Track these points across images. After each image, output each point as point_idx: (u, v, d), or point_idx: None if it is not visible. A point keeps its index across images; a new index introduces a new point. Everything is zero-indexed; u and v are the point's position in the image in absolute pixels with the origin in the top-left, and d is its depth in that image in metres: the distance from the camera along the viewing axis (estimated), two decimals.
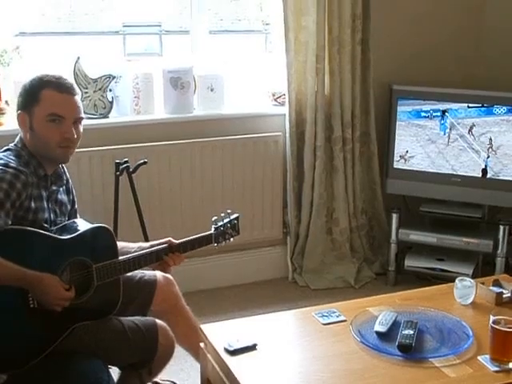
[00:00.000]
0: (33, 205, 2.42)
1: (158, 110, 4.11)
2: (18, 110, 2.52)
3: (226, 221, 2.83)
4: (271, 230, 4.43)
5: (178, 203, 4.10)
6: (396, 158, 4.32)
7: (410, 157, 4.30)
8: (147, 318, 2.68)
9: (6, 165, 2.38)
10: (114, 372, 2.67)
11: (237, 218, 2.87)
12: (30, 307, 2.34)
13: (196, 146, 4.09)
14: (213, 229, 2.80)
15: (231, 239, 2.85)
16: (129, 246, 2.78)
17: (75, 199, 2.78)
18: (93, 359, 2.45)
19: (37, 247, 2.38)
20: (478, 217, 4.29)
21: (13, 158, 2.45)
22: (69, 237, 2.48)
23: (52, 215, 2.55)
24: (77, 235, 2.51)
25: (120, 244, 2.75)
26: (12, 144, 2.56)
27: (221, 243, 2.82)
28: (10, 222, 2.31)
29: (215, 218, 2.81)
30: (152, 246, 2.75)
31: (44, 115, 2.46)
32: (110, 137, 3.81)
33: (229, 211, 2.86)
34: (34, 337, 2.36)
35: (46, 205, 2.51)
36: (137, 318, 2.65)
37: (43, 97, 2.46)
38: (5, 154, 2.49)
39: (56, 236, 2.46)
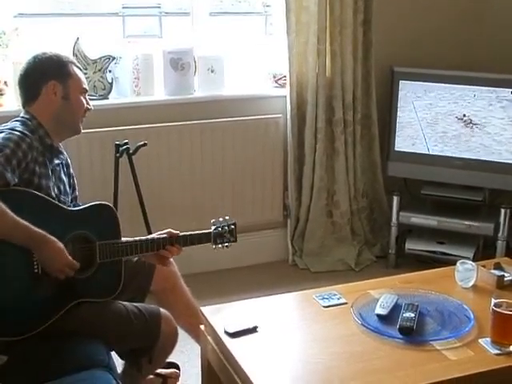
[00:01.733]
0: (37, 169, 2.45)
1: (157, 91, 4.09)
2: (47, 80, 2.56)
3: (223, 225, 2.83)
4: (271, 212, 4.42)
5: (177, 185, 4.09)
6: (397, 140, 4.30)
7: (410, 139, 4.28)
8: (151, 305, 2.67)
9: (12, 128, 2.46)
10: (117, 364, 2.67)
11: (234, 224, 2.86)
12: (34, 272, 2.36)
13: (196, 127, 4.08)
14: (212, 228, 2.79)
15: (228, 244, 2.85)
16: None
17: (76, 185, 2.78)
18: (94, 341, 2.45)
19: (44, 213, 2.41)
20: (479, 200, 4.29)
21: (18, 124, 2.51)
22: (75, 209, 2.55)
23: (57, 190, 2.57)
24: (83, 209, 2.55)
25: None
26: (17, 117, 2.59)
27: (218, 245, 2.81)
28: (16, 180, 2.34)
29: (213, 220, 2.81)
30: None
31: (79, 88, 2.63)
32: (109, 118, 3.79)
33: (227, 217, 2.86)
34: (37, 303, 2.37)
35: (50, 174, 2.53)
36: (141, 304, 2.65)
37: (73, 72, 2.63)
38: (10, 123, 2.54)
39: (63, 206, 2.50)
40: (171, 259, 2.85)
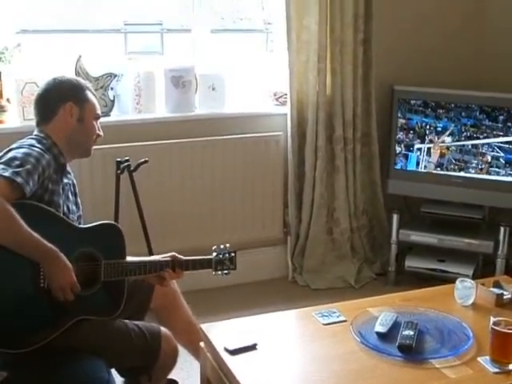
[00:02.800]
0: (50, 186, 2.49)
1: (159, 108, 4.11)
2: (65, 101, 2.62)
3: (225, 252, 2.84)
4: (272, 229, 4.43)
5: (178, 202, 4.10)
6: (397, 158, 4.32)
7: (410, 157, 4.30)
8: (152, 324, 2.68)
9: (31, 144, 2.50)
10: (117, 382, 2.67)
11: (235, 252, 2.88)
12: (40, 286, 2.37)
13: (197, 145, 4.09)
14: (214, 254, 2.81)
15: (228, 272, 2.86)
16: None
17: (80, 205, 2.79)
18: (95, 358, 2.45)
19: (54, 228, 2.43)
20: (478, 218, 4.29)
21: (35, 142, 2.54)
22: (84, 226, 2.58)
23: (65, 208, 2.59)
24: (91, 227, 2.57)
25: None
26: (32, 135, 2.63)
27: (218, 271, 2.83)
28: (33, 192, 2.38)
29: (215, 247, 2.83)
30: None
31: (94, 113, 2.71)
32: (111, 135, 3.78)
33: (227, 245, 2.87)
34: (40, 318, 2.38)
35: (61, 192, 2.56)
36: (141, 323, 2.65)
37: (90, 97, 2.71)
38: (26, 139, 2.58)
39: (72, 223, 2.54)
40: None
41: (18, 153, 2.42)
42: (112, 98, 3.94)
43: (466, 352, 2.34)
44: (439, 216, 4.37)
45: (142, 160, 3.64)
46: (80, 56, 3.82)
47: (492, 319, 2.28)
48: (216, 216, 4.19)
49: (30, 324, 2.37)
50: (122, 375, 2.73)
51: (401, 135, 4.29)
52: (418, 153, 4.29)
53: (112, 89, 3.95)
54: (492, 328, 2.27)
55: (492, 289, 2.79)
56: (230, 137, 4.19)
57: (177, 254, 2.77)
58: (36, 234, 2.29)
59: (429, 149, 4.26)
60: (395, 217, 4.37)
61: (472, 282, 2.76)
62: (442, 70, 4.51)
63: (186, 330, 2.90)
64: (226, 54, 4.38)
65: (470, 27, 4.64)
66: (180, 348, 2.76)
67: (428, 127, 4.24)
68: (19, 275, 2.35)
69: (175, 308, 2.92)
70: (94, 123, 2.71)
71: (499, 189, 4.14)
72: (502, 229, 4.17)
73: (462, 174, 4.21)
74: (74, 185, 2.75)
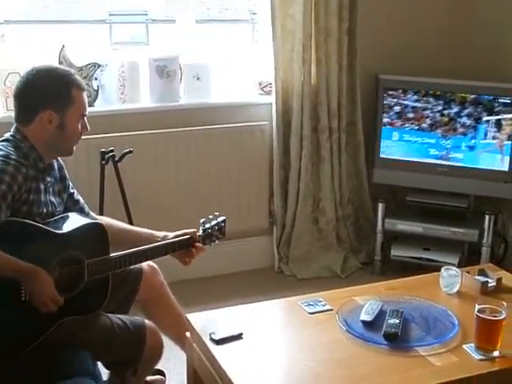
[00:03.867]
0: (30, 197, 2.42)
1: (143, 98, 4.09)
2: (44, 108, 2.47)
3: (213, 223, 2.83)
4: (257, 219, 4.43)
5: (163, 192, 4.09)
6: (382, 147, 4.32)
7: (395, 146, 4.31)
8: (137, 317, 2.67)
9: (7, 156, 2.38)
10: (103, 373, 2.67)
11: (224, 221, 2.87)
12: (21, 300, 2.32)
13: (182, 134, 4.08)
14: (201, 231, 2.79)
15: (217, 241, 2.86)
16: (154, 235, 2.79)
17: (69, 183, 2.74)
18: (80, 351, 2.44)
19: (33, 239, 2.37)
20: (463, 206, 4.31)
21: (12, 149, 2.43)
22: (64, 231, 2.48)
23: (50, 207, 2.54)
24: (71, 230, 2.50)
25: (144, 231, 2.82)
26: (8, 134, 2.52)
27: (207, 245, 2.82)
28: (8, 214, 2.31)
29: (203, 220, 2.82)
30: (177, 237, 2.78)
31: (78, 115, 2.54)
32: (95, 125, 3.74)
33: (216, 213, 2.86)
34: (23, 329, 2.35)
35: (42, 198, 2.50)
36: (126, 317, 2.64)
37: (75, 97, 2.52)
38: (3, 144, 2.46)
39: (51, 230, 2.45)
40: (157, 269, 2.88)
41: None
42: (96, 88, 3.92)
43: (452, 340, 2.36)
44: (424, 205, 4.38)
45: (127, 150, 3.63)
46: (63, 46, 3.80)
47: (477, 307, 2.29)
48: (201, 206, 4.18)
49: (13, 335, 2.33)
50: (107, 368, 2.73)
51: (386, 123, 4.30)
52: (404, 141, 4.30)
53: (96, 79, 3.93)
54: (477, 315, 2.28)
55: (477, 277, 2.81)
56: (215, 126, 4.18)
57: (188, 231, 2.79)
58: (7, 256, 2.21)
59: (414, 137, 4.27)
60: (381, 206, 4.38)
61: (457, 270, 2.77)
62: (427, 59, 4.51)
63: (173, 322, 2.89)
64: (211, 44, 4.36)
65: (456, 17, 4.64)
66: (166, 339, 2.76)
67: (412, 115, 4.24)
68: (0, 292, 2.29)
69: (162, 300, 2.91)
70: (78, 125, 2.55)
71: (484, 177, 4.15)
72: (486, 217, 4.19)
73: (446, 162, 4.22)
74: (60, 169, 2.68)
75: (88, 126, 2.62)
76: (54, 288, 2.32)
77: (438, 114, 4.20)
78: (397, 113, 4.26)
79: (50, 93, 2.49)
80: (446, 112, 4.18)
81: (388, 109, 4.27)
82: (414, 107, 4.23)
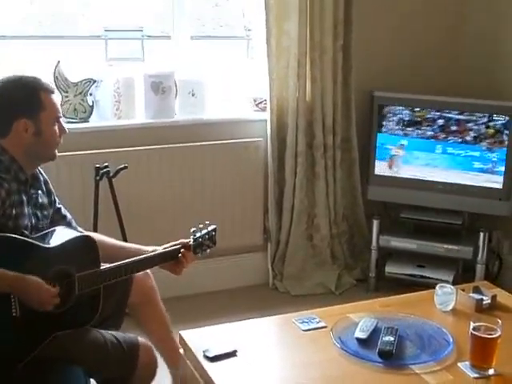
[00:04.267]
0: (14, 212, 2.41)
1: (138, 114, 4.09)
2: (17, 117, 2.47)
3: (203, 232, 2.82)
4: (252, 235, 4.42)
5: (158, 208, 4.08)
6: (377, 164, 4.32)
7: (390, 164, 4.31)
8: (130, 334, 2.64)
9: None
10: None
11: (214, 230, 2.86)
12: (12, 315, 2.30)
13: (177, 151, 4.08)
14: (192, 240, 2.78)
15: (208, 251, 2.84)
16: (142, 250, 2.77)
17: (55, 199, 2.73)
18: (72, 367, 2.42)
19: (21, 254, 2.35)
20: (458, 223, 4.31)
21: None
22: (53, 245, 2.46)
23: (33, 220, 2.53)
24: (61, 244, 2.48)
25: (133, 246, 2.81)
26: None
27: (198, 254, 2.81)
28: None
29: (194, 229, 2.80)
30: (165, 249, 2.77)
31: (52, 119, 2.54)
32: (90, 141, 3.79)
33: (207, 222, 2.85)
34: (15, 344, 2.33)
35: (26, 210, 2.49)
36: (119, 333, 2.62)
37: (45, 101, 2.51)
38: None
39: (40, 244, 2.43)
40: (149, 273, 2.88)
41: None
42: (91, 104, 3.92)
43: (446, 357, 2.35)
44: (419, 222, 4.38)
45: (122, 166, 3.63)
46: (59, 61, 3.81)
47: (472, 324, 2.29)
48: (196, 222, 4.15)
49: (5, 353, 2.30)
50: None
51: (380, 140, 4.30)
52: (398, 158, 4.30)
53: (91, 94, 3.93)
54: (472, 333, 2.28)
55: (472, 294, 2.81)
56: (209, 143, 4.18)
57: (184, 240, 2.78)
58: None
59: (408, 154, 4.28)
60: (375, 223, 4.38)
61: (452, 287, 2.77)
62: (421, 77, 4.53)
63: (159, 329, 2.90)
64: (207, 61, 4.37)
65: (449, 36, 4.65)
66: (159, 356, 2.74)
67: (406, 133, 4.25)
68: None
69: (151, 305, 2.89)
70: (55, 128, 2.54)
71: (479, 195, 4.16)
72: (481, 234, 4.19)
73: (441, 179, 4.22)
74: (45, 183, 2.68)
75: (66, 128, 2.61)
76: (43, 284, 2.30)
77: (431, 130, 4.20)
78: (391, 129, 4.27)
79: (19, 101, 2.49)
80: (439, 127, 4.18)
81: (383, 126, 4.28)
82: (407, 125, 4.24)
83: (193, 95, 4.15)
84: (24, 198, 2.49)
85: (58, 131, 2.57)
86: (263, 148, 4.32)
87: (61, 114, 2.60)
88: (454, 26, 4.66)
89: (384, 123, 4.27)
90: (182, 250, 2.75)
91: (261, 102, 4.34)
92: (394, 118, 4.24)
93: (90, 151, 3.77)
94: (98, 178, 3.58)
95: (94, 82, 3.92)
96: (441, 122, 4.17)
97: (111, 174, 3.61)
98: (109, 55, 4.21)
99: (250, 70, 4.42)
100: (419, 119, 4.21)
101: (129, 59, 4.33)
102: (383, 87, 4.31)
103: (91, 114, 3.93)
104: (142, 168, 3.99)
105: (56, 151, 2.61)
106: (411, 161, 4.27)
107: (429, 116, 4.19)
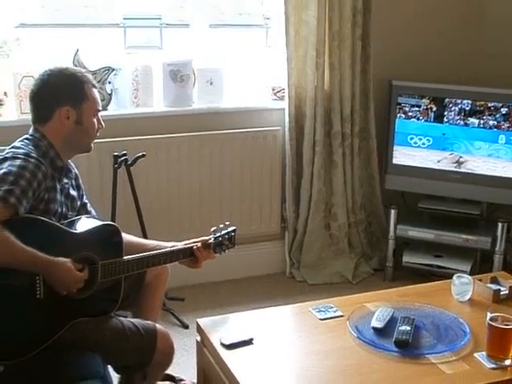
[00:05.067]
0: (46, 196, 2.45)
1: (157, 102, 4.10)
2: (61, 105, 2.54)
3: (223, 232, 2.82)
4: (269, 224, 4.43)
5: (175, 196, 4.10)
6: (395, 153, 4.31)
7: (409, 153, 4.30)
8: (148, 322, 2.67)
9: (27, 154, 2.42)
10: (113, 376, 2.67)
11: (234, 231, 2.87)
12: (36, 298, 2.34)
13: (195, 139, 4.09)
14: (212, 239, 2.79)
15: (226, 251, 2.85)
16: (162, 246, 2.78)
17: (83, 194, 2.79)
18: (91, 354, 2.45)
19: (49, 237, 2.40)
20: (476, 214, 4.29)
21: (32, 147, 2.48)
22: (79, 231, 2.51)
23: (64, 209, 2.57)
24: (87, 230, 2.53)
25: (152, 243, 2.82)
26: (27, 134, 2.57)
27: (217, 253, 2.82)
28: (26, 210, 2.35)
29: (214, 228, 2.81)
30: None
31: (93, 110, 2.62)
32: (108, 129, 3.75)
33: (227, 223, 2.86)
34: (37, 327, 2.37)
35: (58, 197, 2.53)
36: (137, 321, 2.65)
37: (89, 94, 2.60)
38: (23, 143, 2.52)
39: (67, 229, 2.48)
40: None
41: (13, 166, 2.35)
42: (109, 92, 3.93)
43: (463, 348, 2.35)
44: (437, 212, 4.36)
45: (140, 154, 3.63)
46: (78, 49, 3.82)
47: (489, 315, 2.28)
48: (213, 210, 4.19)
49: (27, 334, 2.35)
50: (117, 372, 2.74)
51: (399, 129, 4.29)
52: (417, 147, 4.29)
53: (110, 83, 3.94)
54: (489, 324, 2.27)
55: (489, 285, 2.80)
56: (227, 131, 4.19)
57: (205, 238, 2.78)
58: (28, 248, 2.25)
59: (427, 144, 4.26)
60: (393, 212, 4.37)
61: (469, 277, 2.76)
62: (441, 65, 4.50)
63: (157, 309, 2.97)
64: (225, 49, 4.37)
65: (469, 23, 4.63)
66: (176, 344, 2.76)
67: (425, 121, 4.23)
68: (15, 290, 2.31)
69: (158, 287, 2.93)
70: (94, 120, 2.62)
71: (497, 185, 4.13)
72: (499, 225, 4.17)
73: (460, 169, 4.21)
74: (76, 178, 2.73)
75: (103, 122, 2.69)
76: (73, 269, 2.36)
77: (450, 121, 4.18)
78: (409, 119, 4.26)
79: (64, 90, 2.57)
80: (458, 118, 4.16)
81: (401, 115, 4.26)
82: (426, 113, 4.22)
83: (211, 84, 4.15)
84: (58, 186, 2.54)
85: (96, 124, 2.64)
86: (281, 137, 4.31)
87: (100, 108, 2.67)
88: (473, 14, 4.63)
89: (403, 111, 4.25)
90: (198, 246, 2.74)
91: (279, 91, 4.34)
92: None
93: (109, 139, 3.78)
94: (116, 166, 3.60)
95: (113, 70, 3.92)
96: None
97: (129, 162, 3.62)
98: (127, 43, 4.22)
99: (269, 59, 4.41)
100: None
101: (147, 47, 4.33)
102: (402, 76, 4.28)
103: (110, 102, 3.94)
104: (160, 156, 4.00)
105: (92, 144, 2.67)
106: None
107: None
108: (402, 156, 4.30)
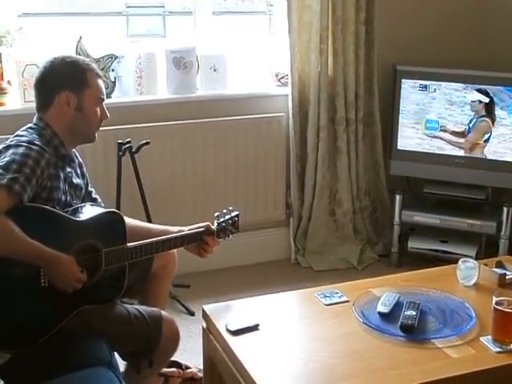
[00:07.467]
0: (49, 184, 2.45)
1: (160, 90, 4.10)
2: (60, 90, 2.53)
3: (227, 217, 2.82)
4: (274, 211, 4.43)
5: (180, 183, 4.10)
6: (400, 138, 4.30)
7: (413, 138, 4.28)
8: (154, 308, 2.68)
9: (30, 142, 2.42)
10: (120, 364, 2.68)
11: (237, 216, 2.86)
12: (40, 286, 2.35)
13: (199, 126, 4.08)
14: (215, 224, 2.79)
15: (230, 236, 2.85)
16: (169, 230, 2.77)
17: (88, 182, 2.78)
18: (97, 341, 2.46)
19: (52, 225, 2.40)
20: (481, 198, 4.28)
21: (36, 135, 2.48)
22: (83, 219, 2.51)
23: (68, 197, 2.57)
24: (90, 218, 2.53)
25: (158, 227, 2.81)
26: (31, 123, 2.57)
27: (221, 238, 2.82)
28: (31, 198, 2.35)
29: (217, 213, 2.81)
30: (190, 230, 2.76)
31: (95, 98, 2.59)
32: (112, 117, 3.76)
33: (230, 208, 2.86)
34: (41, 316, 2.37)
35: (61, 185, 2.53)
36: (143, 307, 2.66)
37: (91, 81, 2.58)
38: (27, 130, 2.52)
39: (71, 217, 2.48)
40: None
41: (16, 154, 2.35)
42: (113, 80, 3.92)
43: (469, 332, 2.35)
44: (442, 197, 4.36)
45: (144, 141, 3.64)
46: (80, 37, 3.81)
47: (494, 299, 2.28)
48: (218, 196, 4.19)
49: (31, 323, 2.36)
50: (123, 359, 2.74)
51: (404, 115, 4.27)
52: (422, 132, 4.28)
53: (113, 70, 3.93)
54: (494, 308, 2.27)
55: (494, 269, 2.80)
56: (231, 118, 4.18)
57: (211, 225, 2.77)
58: (32, 241, 2.26)
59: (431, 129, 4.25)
60: (398, 197, 4.36)
61: (474, 262, 2.76)
62: (445, 50, 4.48)
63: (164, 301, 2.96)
64: (228, 36, 4.36)
65: (473, 7, 4.60)
66: (182, 331, 2.77)
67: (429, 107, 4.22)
68: (19, 278, 2.32)
69: (165, 277, 2.94)
70: (97, 108, 2.60)
71: (502, 169, 4.12)
72: (504, 209, 4.17)
73: (464, 154, 4.20)
74: (80, 166, 2.73)
75: (107, 113, 2.66)
76: (75, 268, 2.37)
77: (455, 105, 4.16)
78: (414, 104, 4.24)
79: (65, 76, 2.56)
80: (463, 103, 4.15)
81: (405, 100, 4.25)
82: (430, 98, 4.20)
83: (214, 70, 4.14)
84: (61, 174, 2.54)
85: (99, 113, 2.62)
86: (285, 123, 4.31)
87: (104, 98, 2.64)
88: None
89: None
90: (205, 235, 2.74)
91: (283, 77, 4.33)
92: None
93: (113, 127, 3.77)
94: (120, 153, 3.60)
95: (116, 57, 3.92)
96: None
97: (133, 150, 3.62)
98: (130, 31, 4.21)
99: (272, 45, 4.40)
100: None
101: (150, 35, 4.33)
102: (406, 61, 4.27)
103: (113, 89, 3.94)
104: (164, 143, 4.00)
105: (96, 134, 2.66)
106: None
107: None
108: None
